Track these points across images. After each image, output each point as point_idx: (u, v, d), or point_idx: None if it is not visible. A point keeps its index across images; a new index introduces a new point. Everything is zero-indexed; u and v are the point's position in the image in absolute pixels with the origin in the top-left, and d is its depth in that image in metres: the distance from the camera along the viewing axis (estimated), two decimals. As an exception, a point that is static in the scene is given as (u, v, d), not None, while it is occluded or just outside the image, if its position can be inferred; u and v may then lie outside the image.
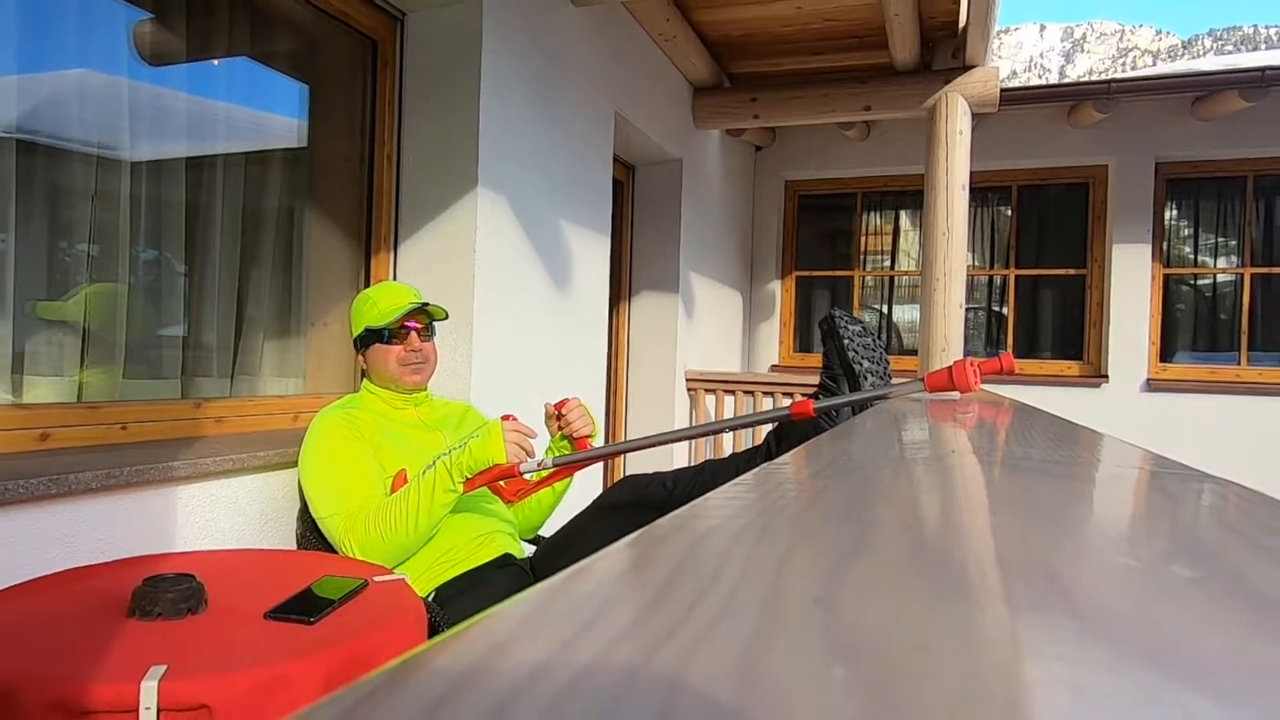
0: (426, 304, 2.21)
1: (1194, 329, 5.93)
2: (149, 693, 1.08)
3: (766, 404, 4.93)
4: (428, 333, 2.25)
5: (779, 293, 6.73)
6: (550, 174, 3.32)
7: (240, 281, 2.54)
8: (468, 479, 1.90)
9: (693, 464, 2.86)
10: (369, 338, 2.19)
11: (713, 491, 0.45)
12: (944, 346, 4.23)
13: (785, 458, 0.66)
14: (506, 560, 2.07)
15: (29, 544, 1.62)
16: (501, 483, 1.97)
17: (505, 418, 1.94)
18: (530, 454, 1.93)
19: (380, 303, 2.18)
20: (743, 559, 0.33)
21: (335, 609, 1.43)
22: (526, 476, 1.96)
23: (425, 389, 2.29)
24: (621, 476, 2.26)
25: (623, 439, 4.94)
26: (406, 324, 2.18)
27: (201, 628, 1.33)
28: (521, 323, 3.15)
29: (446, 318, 2.28)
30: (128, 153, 2.19)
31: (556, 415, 2.20)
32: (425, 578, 1.95)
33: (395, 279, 2.90)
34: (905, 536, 0.41)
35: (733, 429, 2.14)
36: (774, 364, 6.72)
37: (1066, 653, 0.25)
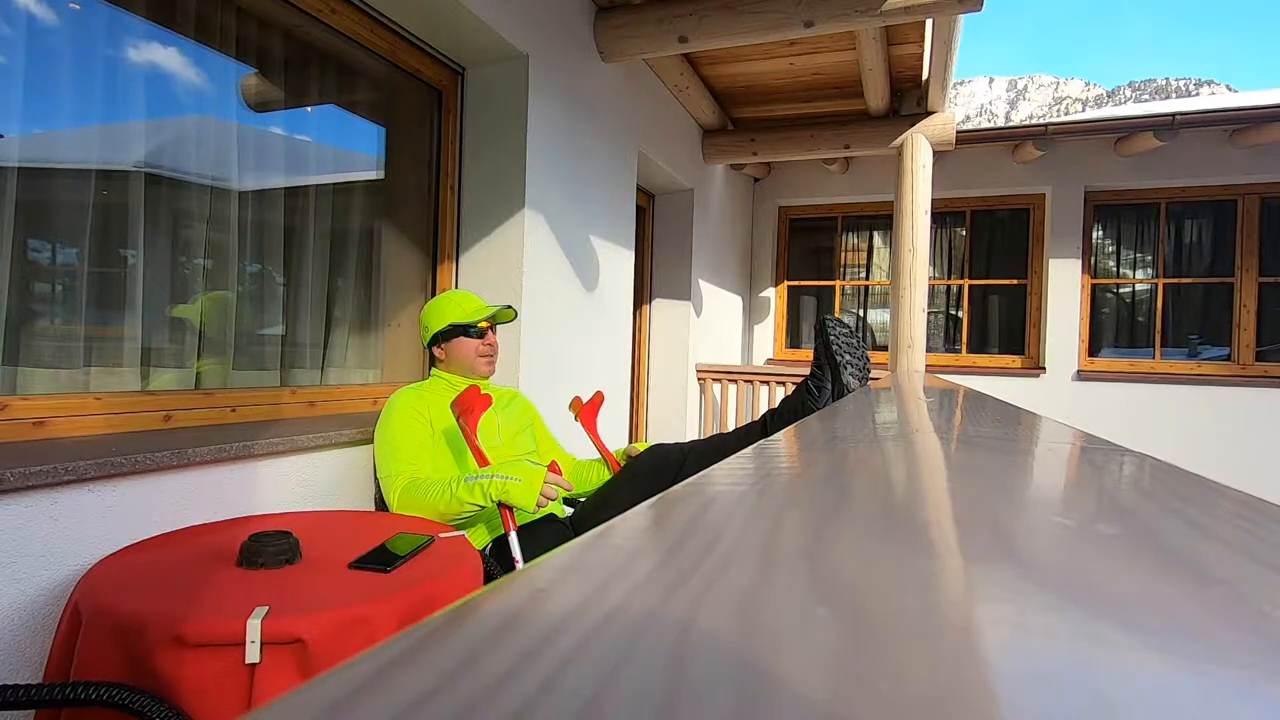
0: (501, 309, 2.28)
1: (1116, 329, 5.90)
2: (254, 629, 1.09)
3: (763, 390, 4.92)
4: (494, 331, 2.33)
5: (773, 299, 6.71)
6: (584, 200, 3.32)
7: (329, 289, 2.55)
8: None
9: (704, 437, 2.99)
10: (453, 332, 2.23)
11: (719, 463, 0.45)
12: (910, 343, 4.21)
13: (778, 435, 0.66)
14: (550, 518, 2.13)
15: (157, 505, 1.64)
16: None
17: (551, 466, 1.89)
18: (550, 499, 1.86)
19: (465, 305, 2.25)
20: (743, 519, 0.33)
21: (407, 560, 1.44)
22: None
23: (489, 378, 2.32)
24: (649, 445, 2.34)
25: (645, 418, 4.96)
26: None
27: (297, 575, 1.35)
28: (561, 322, 3.16)
29: (515, 318, 2.39)
30: (236, 184, 2.21)
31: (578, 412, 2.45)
32: (484, 530, 2.01)
33: (457, 287, 2.91)
34: (877, 500, 0.41)
35: None
36: (769, 357, 6.70)
37: (1010, 596, 0.25)
